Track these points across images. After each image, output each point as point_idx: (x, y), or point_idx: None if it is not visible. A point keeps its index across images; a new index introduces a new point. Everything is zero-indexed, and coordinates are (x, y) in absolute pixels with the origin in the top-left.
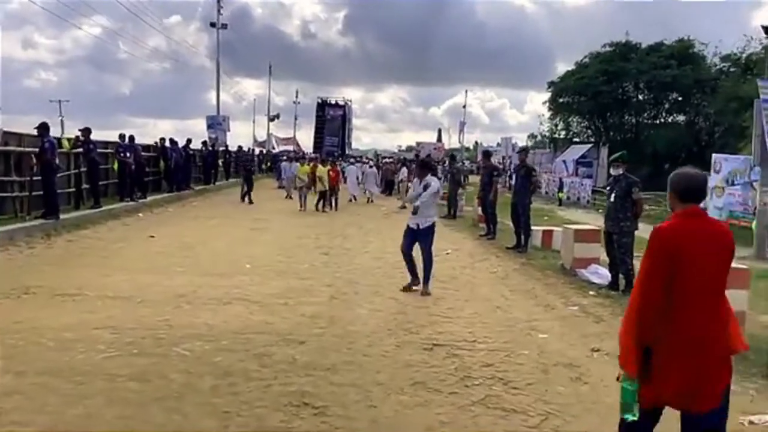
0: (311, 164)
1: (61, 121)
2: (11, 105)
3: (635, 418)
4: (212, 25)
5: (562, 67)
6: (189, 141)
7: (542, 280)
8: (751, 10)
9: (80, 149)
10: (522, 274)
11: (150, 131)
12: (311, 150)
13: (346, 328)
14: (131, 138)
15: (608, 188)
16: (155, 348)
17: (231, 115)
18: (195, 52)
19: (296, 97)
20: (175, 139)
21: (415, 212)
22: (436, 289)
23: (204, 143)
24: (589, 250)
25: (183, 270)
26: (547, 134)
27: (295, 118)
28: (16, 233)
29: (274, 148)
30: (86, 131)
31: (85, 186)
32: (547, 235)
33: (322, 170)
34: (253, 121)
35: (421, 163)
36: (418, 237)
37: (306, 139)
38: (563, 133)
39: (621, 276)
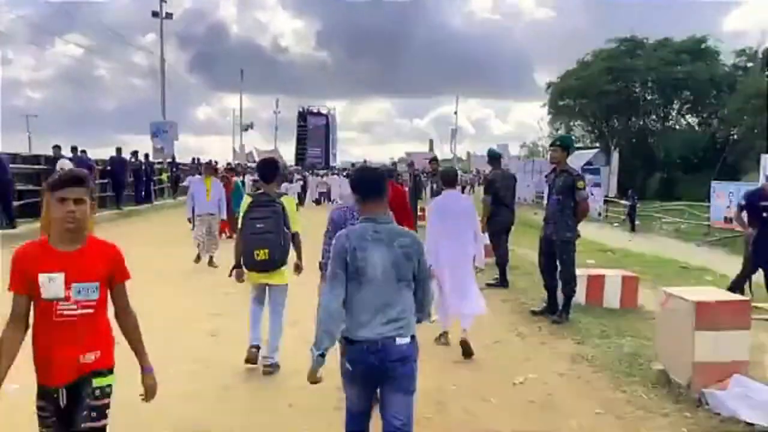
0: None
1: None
2: None
3: None
4: (155, 14)
5: (541, 78)
6: (118, 150)
7: (619, 409)
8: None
9: None
10: (575, 387)
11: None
12: (293, 162)
13: None
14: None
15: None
16: None
17: (217, 129)
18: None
19: (276, 106)
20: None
21: None
22: None
23: (134, 153)
24: (725, 343)
25: None
26: (548, 140)
27: (276, 129)
28: None
29: (254, 161)
30: None
31: None
32: (595, 283)
33: None
34: (233, 134)
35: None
36: None
37: (289, 151)
38: None
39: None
